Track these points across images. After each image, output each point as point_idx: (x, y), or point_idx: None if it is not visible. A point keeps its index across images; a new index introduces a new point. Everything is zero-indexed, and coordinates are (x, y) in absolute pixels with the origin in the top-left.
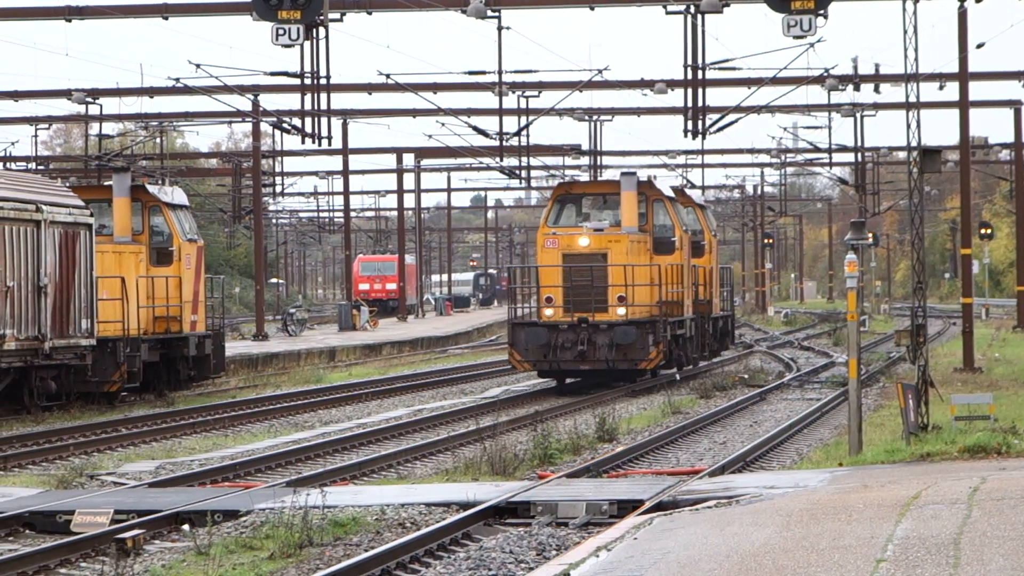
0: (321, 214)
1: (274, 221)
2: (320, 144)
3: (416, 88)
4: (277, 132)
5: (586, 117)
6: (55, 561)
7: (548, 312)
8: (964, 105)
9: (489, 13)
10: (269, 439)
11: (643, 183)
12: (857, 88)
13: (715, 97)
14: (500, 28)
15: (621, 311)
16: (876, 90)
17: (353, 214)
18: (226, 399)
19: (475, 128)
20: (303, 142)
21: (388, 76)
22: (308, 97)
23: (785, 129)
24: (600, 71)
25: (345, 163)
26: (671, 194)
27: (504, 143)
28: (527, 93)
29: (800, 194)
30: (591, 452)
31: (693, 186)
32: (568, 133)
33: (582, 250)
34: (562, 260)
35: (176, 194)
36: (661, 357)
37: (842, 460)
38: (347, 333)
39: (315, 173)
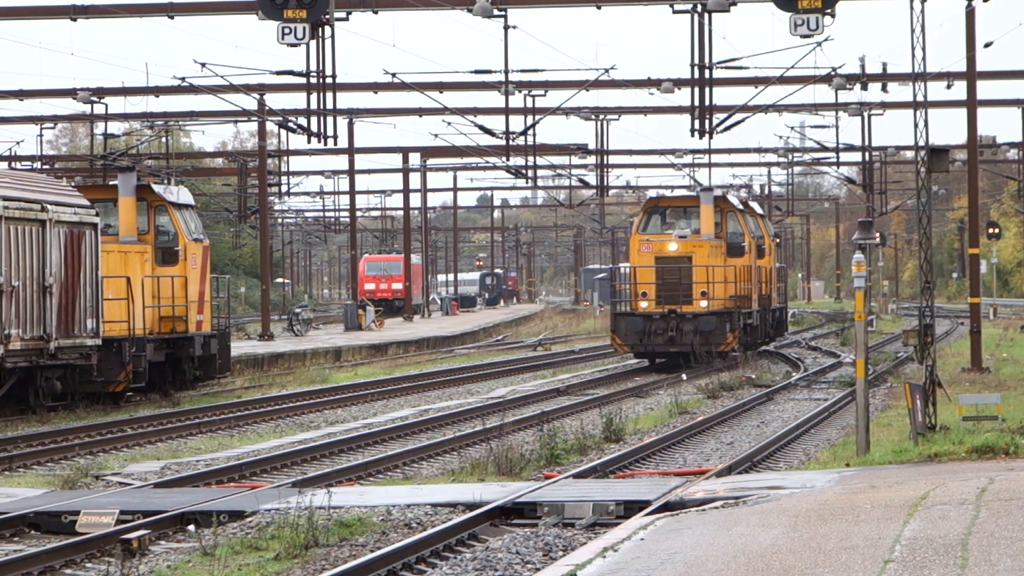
0: (327, 213)
1: (280, 221)
2: (326, 143)
3: (422, 87)
4: (283, 131)
5: (593, 116)
6: (60, 561)
7: (643, 304)
8: (972, 104)
9: (495, 12)
10: (275, 439)
11: (718, 197)
12: (864, 87)
13: (722, 96)
14: (506, 27)
15: (704, 303)
16: (883, 89)
17: (359, 214)
18: (232, 399)
19: (481, 127)
20: (309, 141)
21: (394, 75)
22: (314, 96)
23: (792, 128)
24: (607, 70)
25: (351, 162)
26: (740, 206)
27: (510, 142)
28: (533, 92)
29: (807, 193)
30: (598, 452)
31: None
32: (574, 132)
33: (671, 254)
34: (655, 262)
35: (181, 194)
36: (736, 342)
37: (849, 460)
38: (353, 333)
39: (321, 172)
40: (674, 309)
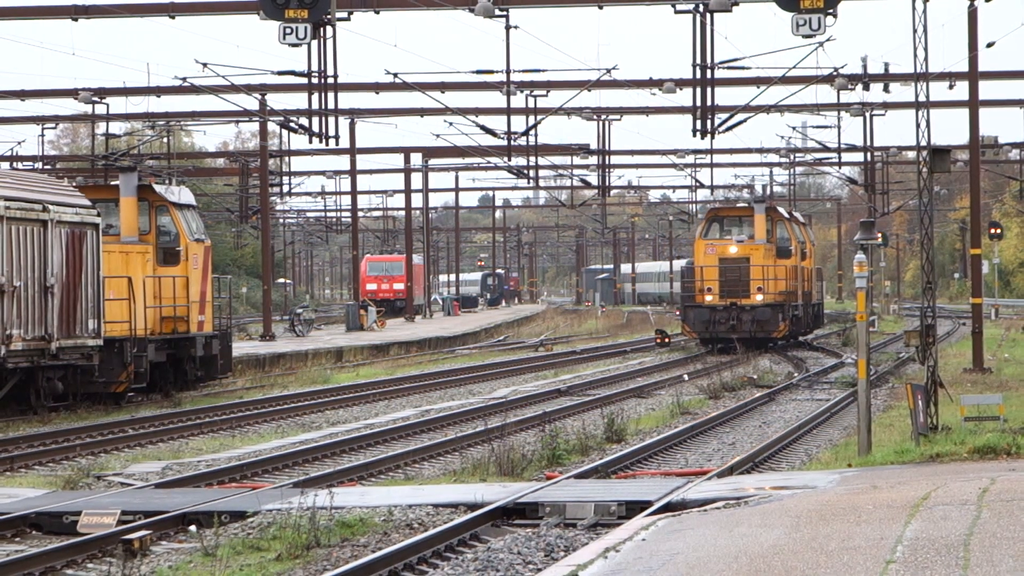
0: (328, 214)
1: (281, 221)
2: (327, 143)
3: (424, 87)
4: (284, 131)
5: (594, 116)
6: (61, 562)
7: (708, 298)
8: (974, 104)
9: (497, 12)
10: (276, 440)
11: (769, 208)
12: (866, 87)
13: (724, 96)
14: (508, 27)
15: (759, 297)
16: (885, 89)
17: (360, 214)
18: (233, 399)
19: (483, 127)
20: (310, 141)
21: (396, 75)
22: (315, 96)
23: (794, 128)
24: (608, 70)
25: (352, 163)
26: (787, 215)
27: (512, 142)
28: (535, 92)
29: (809, 194)
30: (599, 453)
31: (702, 186)
32: (576, 132)
33: (732, 256)
34: (718, 262)
35: (183, 194)
36: (786, 329)
37: (851, 461)
38: (354, 333)
39: (322, 173)
40: (734, 302)
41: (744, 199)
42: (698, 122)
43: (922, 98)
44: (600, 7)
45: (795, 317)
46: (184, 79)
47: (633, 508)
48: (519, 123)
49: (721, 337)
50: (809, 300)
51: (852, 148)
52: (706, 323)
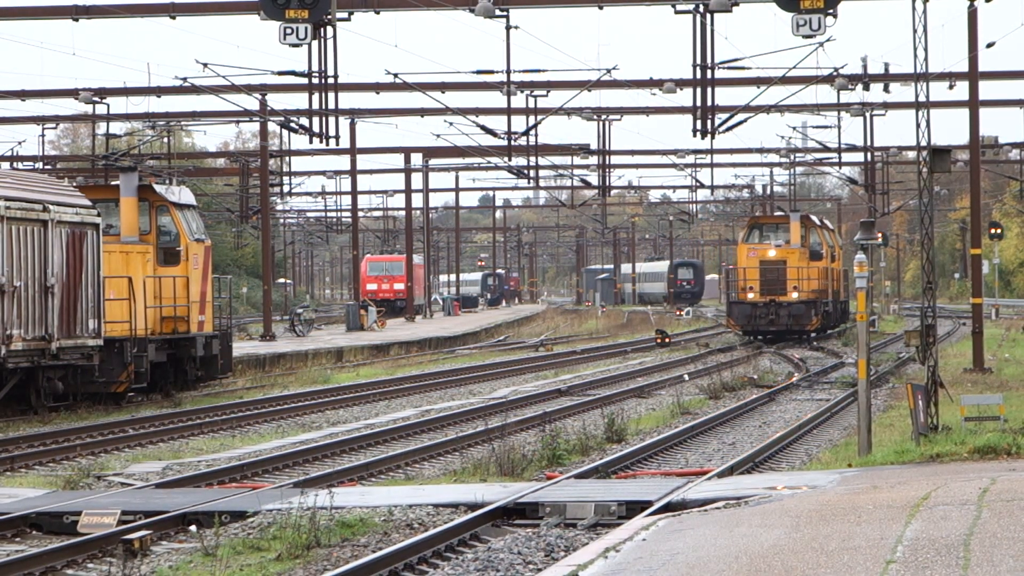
0: (329, 214)
1: (281, 221)
2: (328, 144)
3: (424, 87)
4: (285, 132)
5: (595, 116)
6: (62, 562)
7: (750, 295)
8: (974, 104)
9: (497, 12)
10: (276, 440)
11: (803, 216)
12: (866, 87)
13: (724, 96)
14: (508, 27)
15: (795, 295)
16: (885, 89)
17: (361, 214)
18: (233, 399)
19: (483, 128)
20: (311, 142)
21: (396, 75)
22: (316, 96)
23: (794, 128)
24: (609, 70)
25: (353, 163)
26: (819, 223)
27: (512, 143)
28: (535, 92)
29: (809, 194)
30: (600, 453)
31: (703, 186)
32: (576, 132)
33: (771, 258)
34: (759, 264)
35: (183, 194)
36: (819, 323)
37: (851, 461)
38: (355, 333)
39: (323, 173)
40: (773, 299)
41: (744, 199)
42: (698, 122)
43: (922, 98)
44: (600, 7)
45: (825, 313)
46: (184, 79)
47: (633, 508)
48: (519, 123)
49: (761, 330)
50: (837, 298)
51: (852, 148)
52: (748, 317)
